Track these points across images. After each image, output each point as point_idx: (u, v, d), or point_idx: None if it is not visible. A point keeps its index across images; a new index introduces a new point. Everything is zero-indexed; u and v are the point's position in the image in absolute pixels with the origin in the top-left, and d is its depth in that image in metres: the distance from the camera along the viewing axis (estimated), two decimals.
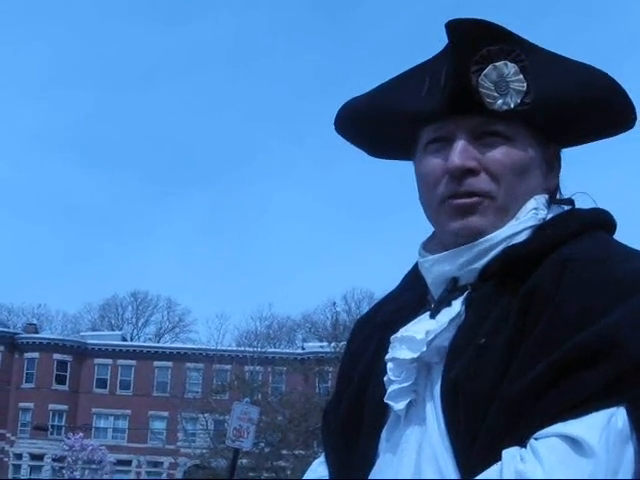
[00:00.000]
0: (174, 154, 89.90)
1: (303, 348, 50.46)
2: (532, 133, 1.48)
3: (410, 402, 1.44)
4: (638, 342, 1.26)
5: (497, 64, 1.44)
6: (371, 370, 1.52)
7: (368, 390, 1.51)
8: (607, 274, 1.33)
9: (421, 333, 1.43)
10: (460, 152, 1.44)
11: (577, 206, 1.53)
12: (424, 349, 1.42)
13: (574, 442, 1.23)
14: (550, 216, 1.48)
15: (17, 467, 53.15)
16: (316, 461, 1.67)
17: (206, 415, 40.14)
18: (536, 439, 1.26)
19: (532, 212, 1.46)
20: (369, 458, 1.47)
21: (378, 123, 1.57)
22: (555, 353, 1.27)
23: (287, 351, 51.47)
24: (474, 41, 1.44)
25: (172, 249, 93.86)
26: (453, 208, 1.45)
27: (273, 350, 49.82)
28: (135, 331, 70.75)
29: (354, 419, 1.52)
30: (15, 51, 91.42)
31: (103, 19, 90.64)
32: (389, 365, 1.46)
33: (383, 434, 1.47)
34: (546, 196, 1.50)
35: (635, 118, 1.53)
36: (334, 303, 33.88)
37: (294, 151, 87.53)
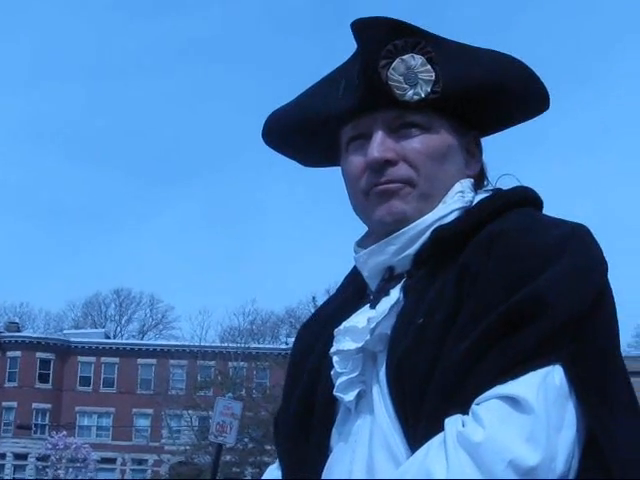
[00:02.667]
0: (157, 149, 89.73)
1: (287, 343, 50.39)
2: (448, 121, 1.53)
3: (359, 393, 1.45)
4: (566, 301, 1.30)
5: (404, 57, 1.49)
6: (318, 367, 1.54)
7: (317, 387, 1.52)
8: (534, 241, 1.36)
9: (363, 322, 1.45)
10: (378, 145, 1.49)
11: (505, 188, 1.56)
12: (368, 337, 1.44)
13: (512, 401, 1.26)
14: (477, 199, 1.51)
15: (1, 467, 52.86)
16: (270, 467, 1.67)
17: (190, 412, 40.16)
18: (477, 404, 1.28)
19: (458, 195, 1.50)
20: (322, 454, 1.47)
21: (302, 131, 1.62)
22: (488, 319, 1.30)
23: (270, 346, 51.46)
24: (380, 37, 1.49)
25: (155, 246, 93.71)
26: (376, 195, 1.50)
27: (256, 346, 49.80)
28: (118, 328, 70.55)
29: (304, 418, 1.52)
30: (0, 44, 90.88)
31: (88, 10, 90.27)
32: (335, 358, 1.47)
33: (335, 428, 1.48)
34: (472, 180, 1.55)
35: (548, 101, 1.58)
36: (313, 298, 33.91)
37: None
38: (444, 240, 1.44)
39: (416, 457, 1.29)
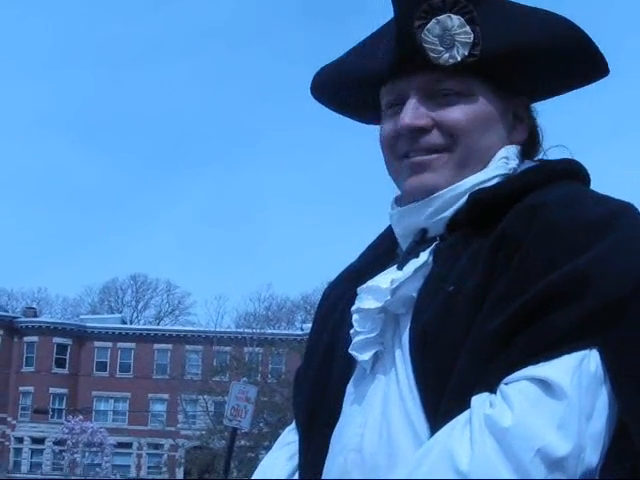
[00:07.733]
0: (174, 135, 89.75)
1: (302, 329, 50.39)
2: (490, 86, 1.46)
3: (376, 354, 1.41)
4: (609, 283, 1.25)
5: (440, 17, 1.41)
6: (340, 325, 1.50)
7: (337, 345, 1.49)
8: (578, 217, 1.31)
9: (386, 282, 1.41)
10: (410, 111, 1.44)
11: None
12: (388, 297, 1.40)
13: (545, 384, 1.21)
14: (522, 168, 1.46)
15: (18, 451, 53.16)
16: (287, 428, 1.63)
17: (206, 397, 40.26)
18: (506, 384, 1.23)
19: (502, 161, 1.45)
20: (335, 412, 1.44)
21: (348, 88, 1.57)
22: (525, 295, 1.25)
23: (286, 332, 51.53)
24: None
25: (171, 232, 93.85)
26: (409, 166, 1.46)
27: (272, 331, 49.86)
28: (135, 314, 70.77)
29: (324, 375, 1.49)
30: (15, 31, 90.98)
31: None
32: (355, 316, 1.44)
33: (349, 387, 1.44)
34: (518, 147, 1.49)
35: (603, 66, 1.49)
36: (328, 284, 33.86)
37: (295, 131, 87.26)
38: (481, 204, 1.39)
39: (439, 436, 1.25)
